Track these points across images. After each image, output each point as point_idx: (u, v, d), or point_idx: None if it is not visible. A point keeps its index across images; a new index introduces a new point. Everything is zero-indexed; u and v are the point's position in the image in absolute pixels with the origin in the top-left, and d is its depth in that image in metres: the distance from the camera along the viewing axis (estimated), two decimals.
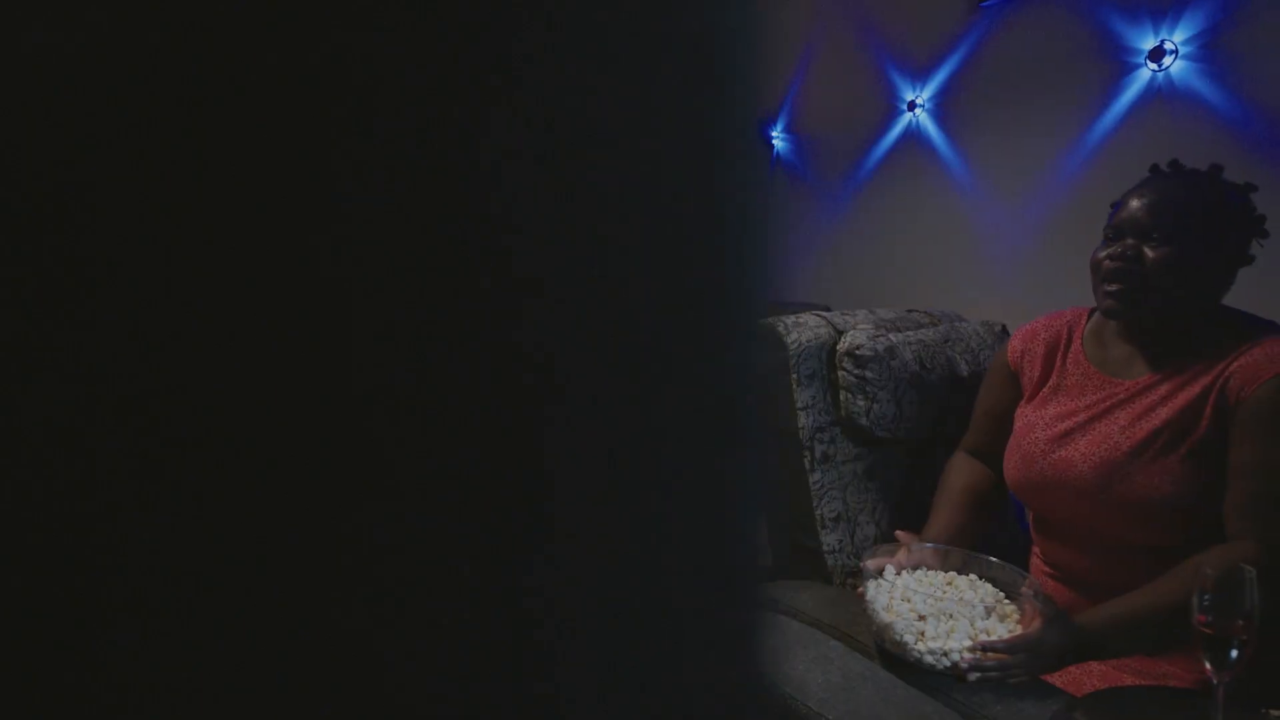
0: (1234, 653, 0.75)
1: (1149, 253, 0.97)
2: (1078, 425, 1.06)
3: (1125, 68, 1.72)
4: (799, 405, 1.35)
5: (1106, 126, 1.77)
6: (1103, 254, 1.02)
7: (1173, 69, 1.64)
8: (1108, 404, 1.04)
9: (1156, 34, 1.65)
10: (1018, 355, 1.19)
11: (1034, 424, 1.11)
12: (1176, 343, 1.02)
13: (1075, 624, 0.93)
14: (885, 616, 0.95)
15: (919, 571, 1.05)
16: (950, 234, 2.17)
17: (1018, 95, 1.95)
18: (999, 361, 1.23)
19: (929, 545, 1.09)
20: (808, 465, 1.34)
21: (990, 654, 0.89)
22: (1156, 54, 1.65)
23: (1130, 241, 0.99)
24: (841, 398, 1.35)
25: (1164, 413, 0.99)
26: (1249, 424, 0.92)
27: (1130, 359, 1.06)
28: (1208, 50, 1.58)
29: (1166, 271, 0.96)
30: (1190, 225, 0.96)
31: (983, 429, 1.26)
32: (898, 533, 1.18)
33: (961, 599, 0.97)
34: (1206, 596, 0.77)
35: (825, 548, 1.33)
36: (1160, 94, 1.66)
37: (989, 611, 0.95)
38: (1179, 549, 0.95)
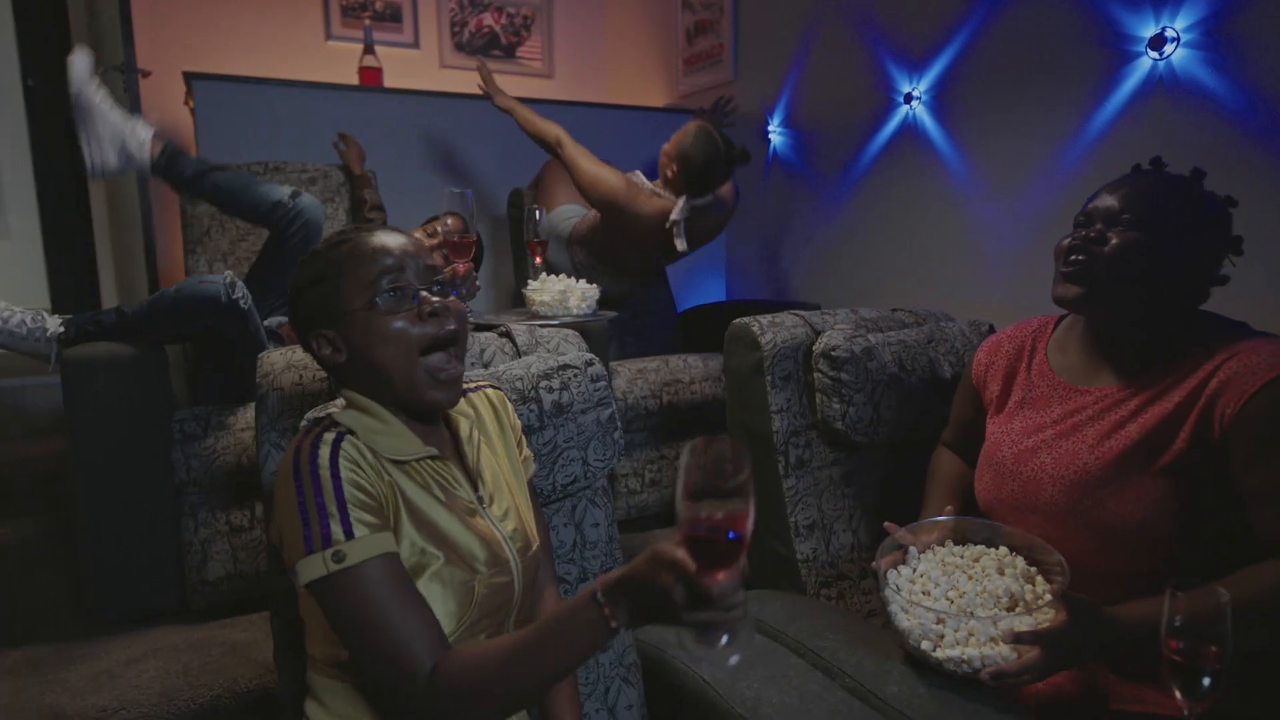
0: (1206, 681, 0.69)
1: (1113, 239, 0.92)
2: (1044, 442, 0.99)
3: (1125, 56, 1.65)
4: (773, 408, 1.30)
5: (1106, 117, 1.70)
6: (1066, 240, 0.96)
7: (1174, 57, 1.57)
8: (1074, 420, 0.98)
9: (1157, 21, 1.58)
10: (981, 369, 1.15)
11: (1000, 441, 1.05)
12: (1143, 350, 0.95)
13: (1108, 616, 0.84)
14: (904, 621, 0.90)
15: (944, 550, 0.99)
16: (946, 230, 2.11)
17: (1016, 86, 1.88)
18: (966, 373, 1.18)
19: (946, 519, 1.03)
20: (781, 471, 1.29)
21: (1011, 650, 0.82)
22: (1157, 42, 1.58)
23: (1098, 226, 0.93)
24: (817, 400, 1.30)
25: (1133, 430, 0.92)
26: (1253, 441, 0.84)
27: (1095, 365, 1.00)
28: (1211, 38, 1.51)
29: (1130, 257, 0.90)
30: (1159, 217, 0.90)
31: (958, 431, 1.21)
32: (948, 508, 1.09)
33: (984, 590, 0.90)
34: (1178, 620, 0.71)
35: (799, 556, 1.28)
36: (1161, 83, 1.59)
37: (1016, 602, 0.88)
38: (1158, 575, 0.87)
